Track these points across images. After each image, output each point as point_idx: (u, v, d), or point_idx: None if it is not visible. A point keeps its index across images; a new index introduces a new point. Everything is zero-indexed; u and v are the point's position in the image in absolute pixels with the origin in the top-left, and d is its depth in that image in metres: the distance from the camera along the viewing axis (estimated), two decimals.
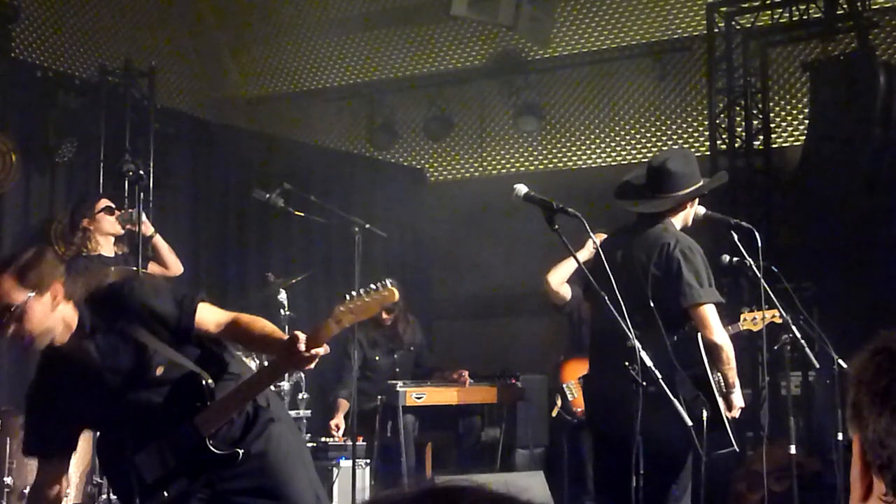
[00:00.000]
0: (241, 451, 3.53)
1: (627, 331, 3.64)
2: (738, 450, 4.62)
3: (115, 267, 6.07)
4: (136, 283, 3.82)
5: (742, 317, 6.09)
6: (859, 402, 1.32)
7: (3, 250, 7.47)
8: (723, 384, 4.60)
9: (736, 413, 4.69)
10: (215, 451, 3.51)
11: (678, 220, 4.75)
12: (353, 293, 3.41)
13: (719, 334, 4.56)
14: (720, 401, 4.53)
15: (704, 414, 4.20)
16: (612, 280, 3.70)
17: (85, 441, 5.90)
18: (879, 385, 1.30)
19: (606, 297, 3.70)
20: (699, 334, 4.50)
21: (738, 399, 4.69)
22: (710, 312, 4.54)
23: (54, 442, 3.61)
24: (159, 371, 3.50)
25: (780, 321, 5.34)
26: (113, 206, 6.36)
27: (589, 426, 5.51)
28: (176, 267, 6.45)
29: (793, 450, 5.24)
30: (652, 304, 4.40)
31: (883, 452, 1.30)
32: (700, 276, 4.51)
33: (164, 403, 3.50)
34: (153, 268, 6.33)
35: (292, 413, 6.21)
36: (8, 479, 5.72)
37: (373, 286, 3.41)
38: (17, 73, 7.94)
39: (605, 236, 4.91)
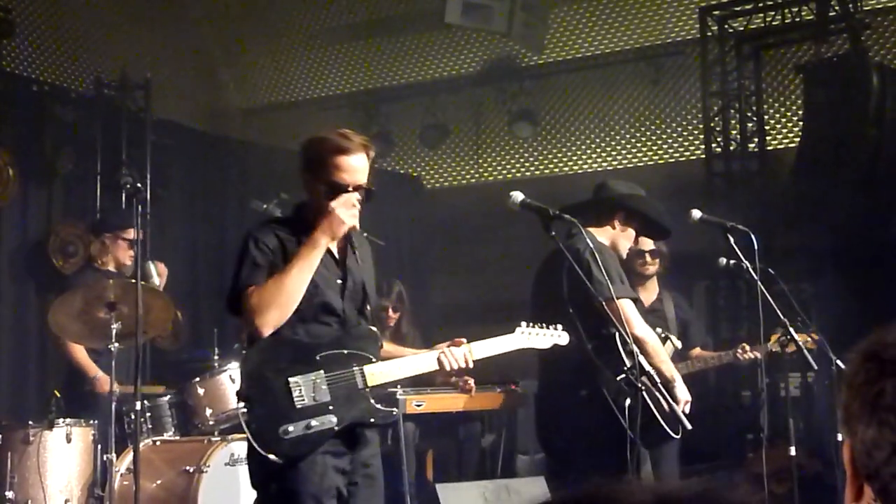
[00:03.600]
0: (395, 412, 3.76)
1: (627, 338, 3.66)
2: (675, 436, 4.64)
3: (113, 280, 6.10)
4: None
5: (772, 339, 5.99)
6: (850, 408, 1.31)
7: (2, 263, 7.49)
8: (656, 378, 4.60)
9: (686, 407, 4.68)
10: (375, 404, 3.74)
11: (603, 237, 4.84)
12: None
13: (640, 327, 4.63)
14: (657, 393, 4.52)
15: (628, 402, 4.22)
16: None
17: (87, 455, 5.91)
18: (869, 393, 1.29)
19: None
20: (617, 333, 4.53)
21: (682, 392, 4.68)
22: (627, 306, 4.59)
23: None
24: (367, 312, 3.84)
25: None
26: (132, 240, 6.38)
27: (542, 445, 5.53)
28: None
29: (793, 451, 5.24)
30: (570, 309, 4.47)
31: (870, 463, 1.30)
32: (610, 273, 4.54)
33: (348, 339, 3.74)
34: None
35: None
36: (10, 493, 5.72)
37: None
38: (12, 86, 7.96)
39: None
